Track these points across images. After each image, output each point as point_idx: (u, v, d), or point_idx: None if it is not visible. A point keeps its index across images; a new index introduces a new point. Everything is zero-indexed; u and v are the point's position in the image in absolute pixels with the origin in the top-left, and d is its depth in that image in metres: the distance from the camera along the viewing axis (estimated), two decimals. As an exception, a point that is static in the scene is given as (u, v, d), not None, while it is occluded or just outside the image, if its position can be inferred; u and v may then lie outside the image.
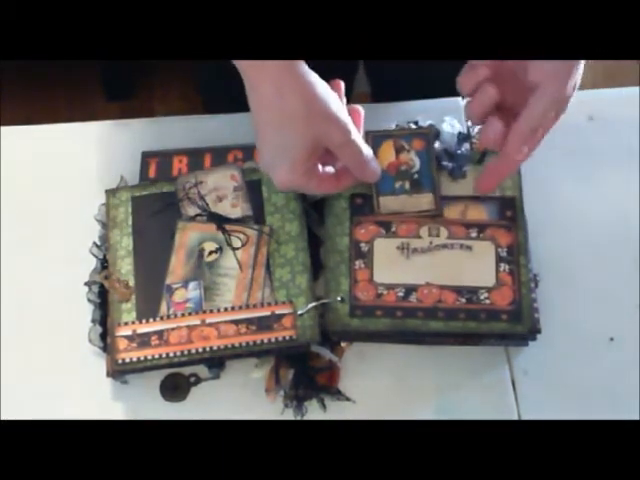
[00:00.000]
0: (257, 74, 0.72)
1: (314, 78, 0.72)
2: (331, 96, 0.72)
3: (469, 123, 0.83)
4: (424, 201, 0.80)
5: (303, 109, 0.70)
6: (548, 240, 0.84)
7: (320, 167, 0.75)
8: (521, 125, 0.71)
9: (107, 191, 0.84)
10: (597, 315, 0.81)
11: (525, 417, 0.78)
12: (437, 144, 0.83)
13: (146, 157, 0.88)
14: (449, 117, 0.84)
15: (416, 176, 0.81)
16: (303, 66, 0.72)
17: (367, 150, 0.74)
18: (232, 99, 0.82)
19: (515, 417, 0.78)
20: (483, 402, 0.78)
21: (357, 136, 0.73)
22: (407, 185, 0.81)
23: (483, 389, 0.79)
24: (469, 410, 0.77)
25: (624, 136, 0.89)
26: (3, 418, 0.78)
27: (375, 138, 0.82)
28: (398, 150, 0.82)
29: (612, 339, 0.80)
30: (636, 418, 0.76)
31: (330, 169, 0.76)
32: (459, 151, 0.82)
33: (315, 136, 0.71)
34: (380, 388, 0.79)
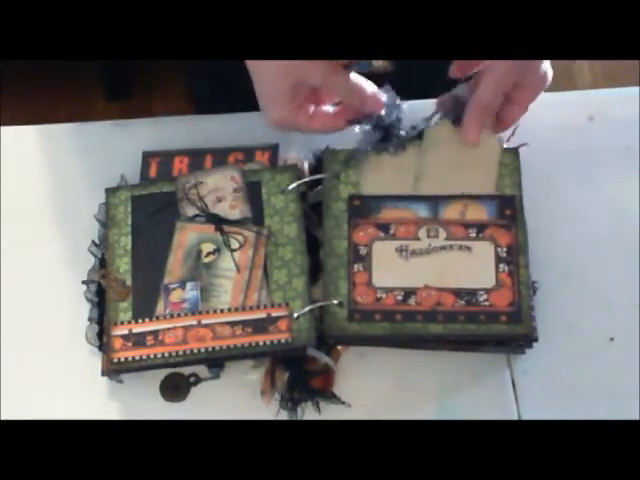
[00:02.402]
0: None
1: None
2: None
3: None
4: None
5: None
6: (548, 240, 0.83)
7: (313, 106, 0.79)
8: (473, 104, 0.77)
9: (107, 190, 0.84)
10: (597, 315, 0.81)
11: (525, 417, 0.77)
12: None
13: (147, 157, 0.88)
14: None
15: None
16: None
17: (358, 78, 0.77)
18: (222, 100, 0.83)
19: (515, 417, 0.77)
20: (483, 402, 0.78)
21: (341, 69, 0.75)
22: None
23: (483, 389, 0.78)
24: (469, 410, 0.77)
25: (624, 136, 0.89)
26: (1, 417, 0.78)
27: None
28: None
29: (612, 339, 0.80)
30: (636, 418, 0.76)
31: (328, 108, 0.80)
32: (395, 121, 0.81)
33: (296, 78, 0.75)
34: (379, 389, 0.78)
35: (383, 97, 0.79)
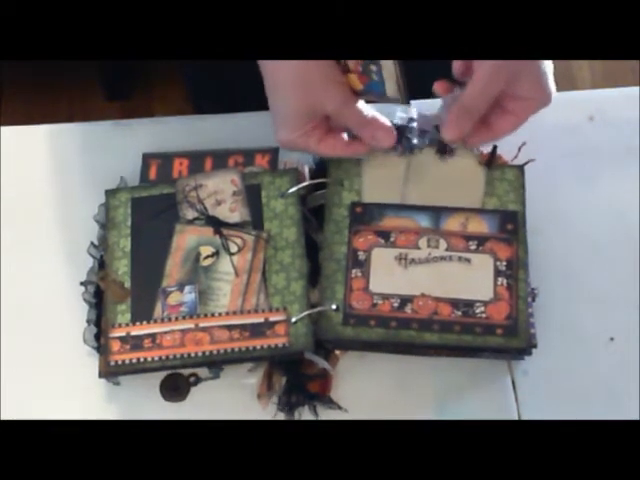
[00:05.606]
0: None
1: None
2: (325, 64, 0.74)
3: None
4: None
5: (295, 77, 0.73)
6: (548, 240, 0.83)
7: (324, 132, 0.77)
8: (457, 103, 0.75)
9: (107, 192, 0.84)
10: (597, 315, 0.81)
11: (525, 417, 0.77)
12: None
13: (147, 159, 0.88)
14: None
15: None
16: None
17: (372, 112, 0.76)
18: (223, 100, 0.83)
19: (515, 417, 0.77)
20: (483, 403, 0.78)
21: (354, 101, 0.75)
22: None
23: (483, 390, 0.78)
24: (469, 411, 0.77)
25: (624, 136, 0.89)
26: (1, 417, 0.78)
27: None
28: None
29: (612, 339, 0.80)
30: (636, 418, 0.76)
31: (340, 136, 0.78)
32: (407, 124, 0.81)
33: (309, 104, 0.75)
34: (378, 392, 0.78)
35: (394, 133, 0.78)
